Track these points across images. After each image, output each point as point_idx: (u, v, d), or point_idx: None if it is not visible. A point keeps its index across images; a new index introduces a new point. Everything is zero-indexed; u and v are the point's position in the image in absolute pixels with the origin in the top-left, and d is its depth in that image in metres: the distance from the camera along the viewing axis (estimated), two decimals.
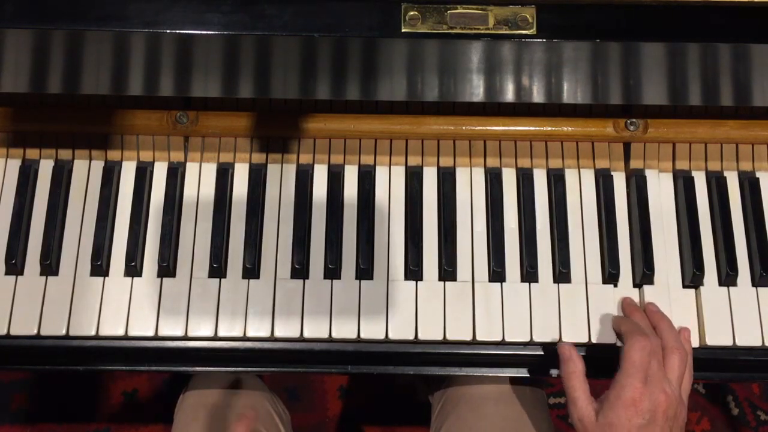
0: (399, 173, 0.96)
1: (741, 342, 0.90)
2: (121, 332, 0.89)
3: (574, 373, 0.84)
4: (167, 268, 0.91)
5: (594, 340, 0.90)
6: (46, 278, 0.91)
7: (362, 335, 0.89)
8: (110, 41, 0.77)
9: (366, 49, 0.79)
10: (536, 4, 0.78)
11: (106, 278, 0.91)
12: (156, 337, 0.89)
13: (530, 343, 0.90)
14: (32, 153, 0.96)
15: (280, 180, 0.95)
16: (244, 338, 0.90)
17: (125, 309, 0.90)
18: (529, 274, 0.92)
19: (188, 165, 0.96)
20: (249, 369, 0.93)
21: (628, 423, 0.80)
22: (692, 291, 0.92)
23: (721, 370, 0.92)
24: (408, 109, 0.96)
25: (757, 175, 0.97)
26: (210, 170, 0.96)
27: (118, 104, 0.96)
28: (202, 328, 0.89)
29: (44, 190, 0.94)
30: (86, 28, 0.76)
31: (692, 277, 0.92)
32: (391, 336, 0.89)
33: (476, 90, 0.86)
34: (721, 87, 0.86)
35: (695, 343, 0.90)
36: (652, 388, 0.81)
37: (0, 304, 0.89)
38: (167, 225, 0.93)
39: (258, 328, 0.89)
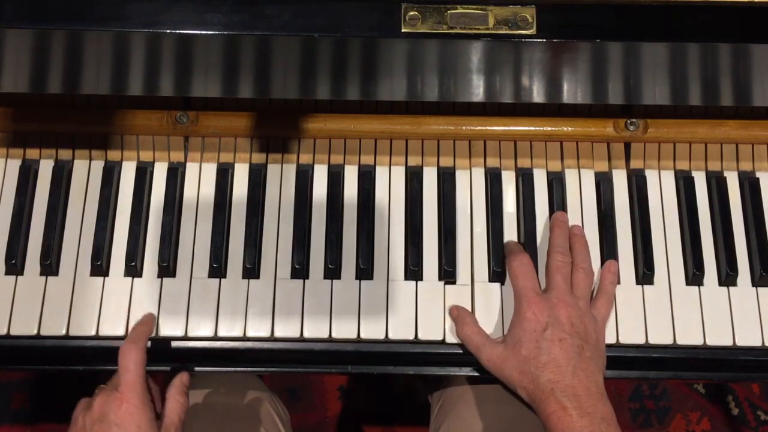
0: (399, 173, 0.96)
1: (741, 342, 0.90)
2: (121, 332, 0.89)
3: (465, 323, 0.88)
4: (167, 268, 0.91)
5: None
6: (46, 278, 0.91)
7: (362, 335, 0.89)
8: (110, 41, 0.77)
9: (366, 49, 0.79)
10: (536, 4, 0.78)
11: (106, 278, 0.91)
12: (156, 337, 0.89)
13: None
14: (32, 153, 0.96)
15: (280, 180, 0.95)
16: (244, 338, 0.90)
17: (125, 309, 0.90)
18: None
19: (188, 165, 0.96)
20: (249, 369, 0.93)
21: (534, 333, 0.82)
22: (692, 291, 0.92)
23: (721, 370, 0.92)
24: (408, 109, 0.97)
25: (757, 175, 0.97)
26: (210, 170, 0.96)
27: (118, 104, 0.96)
28: (202, 328, 0.89)
29: (44, 190, 0.94)
30: (86, 28, 0.76)
31: (692, 277, 0.92)
32: (391, 336, 0.89)
33: (476, 90, 0.86)
34: (721, 87, 0.86)
35: (697, 342, 0.90)
36: (549, 297, 0.84)
37: (0, 304, 0.89)
38: (167, 225, 0.93)
39: (258, 328, 0.89)
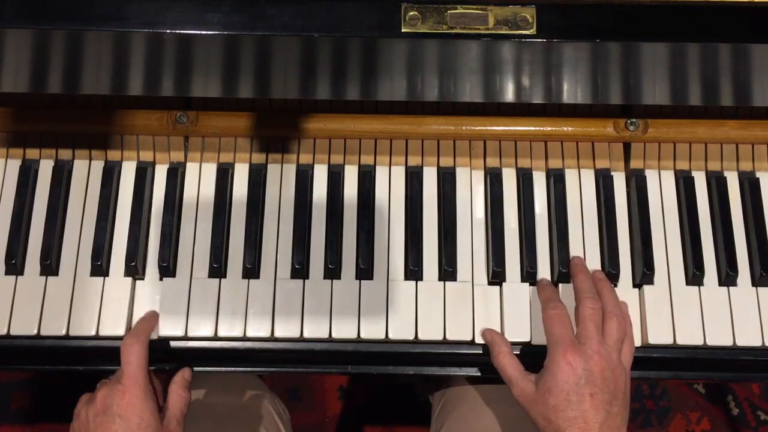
0: (399, 173, 0.96)
1: (741, 342, 0.90)
2: (121, 332, 0.89)
3: (501, 353, 0.86)
4: (167, 268, 0.91)
5: None
6: (46, 278, 0.91)
7: (362, 335, 0.89)
8: (110, 41, 0.77)
9: (366, 49, 0.79)
10: (536, 4, 0.78)
11: (106, 278, 0.91)
12: (156, 337, 0.89)
13: (530, 344, 0.90)
14: (32, 153, 0.96)
15: (280, 180, 0.95)
16: (244, 338, 0.90)
17: (125, 309, 0.90)
18: (529, 274, 0.92)
19: (188, 165, 0.96)
20: (249, 369, 0.93)
21: (566, 384, 0.80)
22: (692, 291, 0.92)
23: (721, 370, 0.92)
24: (408, 109, 0.97)
25: (757, 175, 0.97)
26: (210, 170, 0.96)
27: (118, 104, 0.96)
28: (202, 328, 0.89)
29: (44, 190, 0.94)
30: (86, 28, 0.76)
31: (692, 277, 0.92)
32: (391, 336, 0.89)
33: (476, 90, 0.86)
34: (721, 87, 0.86)
35: (697, 342, 0.90)
36: (585, 348, 0.81)
37: (0, 304, 0.89)
38: (167, 225, 0.93)
39: (258, 328, 0.89)
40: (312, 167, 0.96)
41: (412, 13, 0.77)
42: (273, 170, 0.96)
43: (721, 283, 0.93)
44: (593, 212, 0.95)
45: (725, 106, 0.95)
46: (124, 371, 0.81)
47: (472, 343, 0.90)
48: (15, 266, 0.91)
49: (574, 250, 0.93)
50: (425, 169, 0.96)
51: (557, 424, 0.79)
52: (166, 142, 0.96)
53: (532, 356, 0.87)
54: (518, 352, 0.91)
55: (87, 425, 0.80)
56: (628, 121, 0.96)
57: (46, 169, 0.95)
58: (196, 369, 0.91)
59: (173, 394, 0.85)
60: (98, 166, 0.96)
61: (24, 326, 0.89)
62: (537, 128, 0.96)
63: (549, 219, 0.95)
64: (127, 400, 0.79)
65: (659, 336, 0.90)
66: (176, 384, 0.86)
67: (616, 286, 0.92)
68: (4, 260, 0.91)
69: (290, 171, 0.96)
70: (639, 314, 0.91)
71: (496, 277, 0.92)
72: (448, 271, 0.92)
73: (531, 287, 0.92)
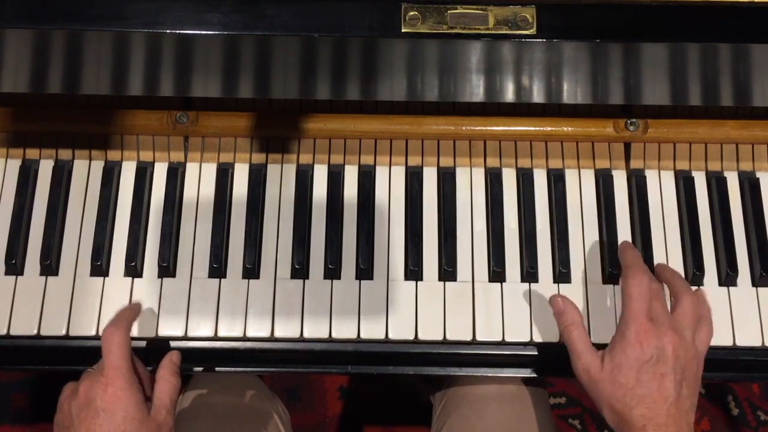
0: (399, 173, 0.96)
1: (741, 342, 0.90)
2: None
3: (573, 324, 0.83)
4: (167, 268, 0.91)
5: (594, 340, 0.90)
6: (46, 278, 0.91)
7: (362, 335, 0.89)
8: (110, 41, 0.77)
9: (366, 49, 0.79)
10: (536, 4, 0.78)
11: (106, 278, 0.91)
12: (156, 338, 0.89)
13: (530, 343, 0.90)
14: (32, 153, 0.96)
15: (280, 180, 0.96)
16: (244, 338, 0.90)
17: None
18: (529, 274, 0.92)
19: (188, 165, 0.96)
20: (249, 369, 0.93)
21: (636, 362, 0.77)
22: None
23: (721, 370, 0.92)
24: (408, 109, 0.97)
25: (757, 175, 0.97)
26: (210, 170, 0.96)
27: (118, 104, 0.96)
28: (202, 328, 0.89)
29: (44, 190, 0.94)
30: (86, 28, 0.76)
31: (692, 277, 0.92)
32: (391, 336, 0.89)
33: (476, 90, 0.86)
34: (722, 87, 0.86)
35: None
36: (659, 325, 0.78)
37: (0, 304, 0.89)
38: (167, 225, 0.93)
39: (258, 328, 0.89)
40: (312, 167, 0.96)
41: (412, 13, 0.77)
42: (273, 170, 0.96)
43: (721, 283, 0.93)
44: (593, 212, 0.95)
45: (725, 106, 0.95)
46: (105, 362, 0.77)
47: (472, 342, 0.90)
48: (15, 266, 0.91)
49: (574, 250, 0.93)
50: (425, 169, 0.96)
51: (624, 401, 0.77)
52: (166, 142, 0.96)
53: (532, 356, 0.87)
54: (519, 351, 0.91)
55: (71, 419, 0.77)
56: (628, 121, 0.96)
57: (46, 169, 0.95)
58: (195, 369, 0.91)
59: (161, 381, 0.80)
60: (98, 166, 0.96)
61: (24, 326, 0.89)
62: (537, 128, 0.96)
63: (549, 219, 0.95)
64: (110, 392, 0.75)
65: None
66: (164, 369, 0.81)
67: (616, 286, 0.92)
68: (4, 260, 0.91)
69: (290, 171, 0.96)
70: None
71: (496, 277, 0.92)
72: (448, 271, 0.92)
73: (531, 287, 0.92)
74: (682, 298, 0.82)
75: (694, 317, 0.81)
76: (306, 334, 0.89)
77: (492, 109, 0.97)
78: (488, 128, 0.96)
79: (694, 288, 0.90)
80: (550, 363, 0.91)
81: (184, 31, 0.76)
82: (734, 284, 0.92)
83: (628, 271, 0.82)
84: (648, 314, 0.79)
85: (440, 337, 0.90)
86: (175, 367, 0.82)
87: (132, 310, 0.86)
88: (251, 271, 0.91)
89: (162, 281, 0.91)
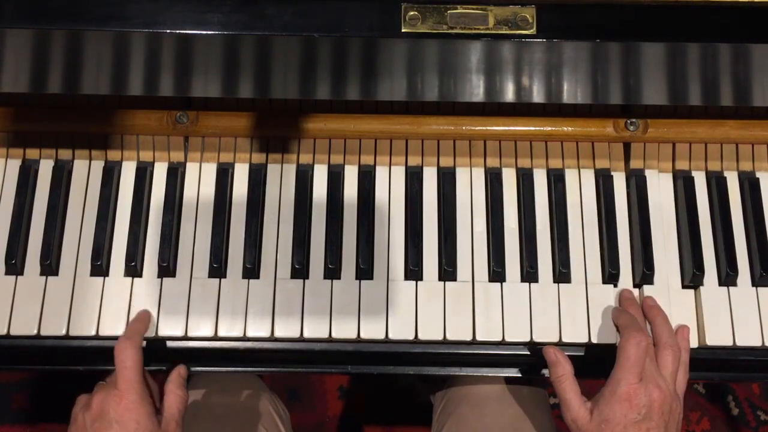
0: (399, 173, 0.96)
1: (741, 342, 0.90)
2: (121, 332, 0.89)
3: (564, 375, 0.85)
4: (167, 268, 0.91)
5: (594, 340, 0.90)
6: (46, 278, 0.91)
7: (362, 335, 0.89)
8: (110, 41, 0.77)
9: (366, 49, 0.79)
10: (536, 4, 0.78)
11: (106, 278, 0.91)
12: (156, 337, 0.89)
13: (530, 343, 0.90)
14: (32, 153, 0.96)
15: (280, 180, 0.95)
16: (244, 338, 0.90)
17: (125, 309, 0.90)
18: (529, 274, 0.92)
19: (188, 165, 0.96)
20: (249, 369, 0.93)
21: (624, 418, 0.80)
22: (692, 291, 0.92)
23: (721, 370, 0.92)
24: (408, 109, 0.97)
25: (757, 175, 0.97)
26: (210, 170, 0.96)
27: (118, 104, 0.96)
28: (202, 328, 0.89)
29: (44, 190, 0.94)
30: (86, 28, 0.76)
31: (692, 277, 0.92)
32: (391, 336, 0.89)
33: (476, 90, 0.86)
34: (721, 87, 0.86)
35: (695, 344, 0.90)
36: (647, 383, 0.81)
37: (0, 304, 0.89)
38: (167, 225, 0.93)
39: (258, 328, 0.89)
40: (312, 167, 0.96)
41: (412, 13, 0.77)
42: (273, 170, 0.96)
43: (721, 283, 0.93)
44: (593, 212, 0.95)
45: (725, 106, 0.95)
46: (119, 375, 0.81)
47: (472, 342, 0.90)
48: (15, 266, 0.91)
49: (574, 250, 0.93)
50: (425, 169, 0.96)
51: None
52: (166, 142, 0.96)
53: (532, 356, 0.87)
54: (519, 351, 0.91)
55: (85, 429, 0.80)
56: (628, 121, 0.96)
57: (46, 169, 0.95)
58: (196, 369, 0.91)
59: (170, 395, 0.84)
60: (98, 166, 0.96)
61: (24, 326, 0.89)
62: (537, 128, 0.96)
63: (549, 219, 0.95)
64: (123, 405, 0.79)
65: None
66: (172, 383, 0.85)
67: (615, 286, 0.92)
68: (4, 260, 0.91)
69: (290, 171, 0.96)
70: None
71: (496, 277, 0.92)
72: (448, 271, 0.92)
73: (531, 287, 0.92)
74: (664, 350, 0.84)
75: (675, 369, 0.84)
76: (306, 334, 0.89)
77: (492, 109, 0.97)
78: (488, 128, 0.96)
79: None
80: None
81: (184, 31, 0.76)
82: (734, 284, 0.92)
83: (625, 331, 0.84)
84: (640, 375, 0.81)
85: (440, 337, 0.90)
86: (182, 380, 0.86)
87: (143, 323, 0.88)
88: (251, 271, 0.91)
89: (162, 281, 0.91)
